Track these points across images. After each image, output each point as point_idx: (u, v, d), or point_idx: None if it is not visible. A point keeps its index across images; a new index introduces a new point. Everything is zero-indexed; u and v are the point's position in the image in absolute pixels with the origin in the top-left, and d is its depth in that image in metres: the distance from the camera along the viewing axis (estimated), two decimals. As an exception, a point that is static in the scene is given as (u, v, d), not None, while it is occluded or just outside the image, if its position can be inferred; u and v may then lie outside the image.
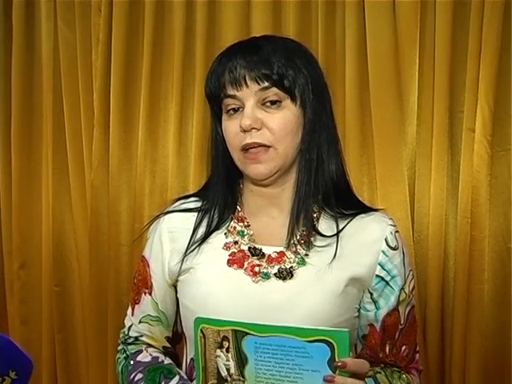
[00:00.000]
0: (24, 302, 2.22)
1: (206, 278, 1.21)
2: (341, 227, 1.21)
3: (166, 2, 2.00)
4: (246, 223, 1.25)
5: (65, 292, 2.19)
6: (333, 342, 0.96)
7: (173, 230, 1.28)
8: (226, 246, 1.23)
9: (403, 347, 1.26)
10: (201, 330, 1.03)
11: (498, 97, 1.73)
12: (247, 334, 1.00)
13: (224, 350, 1.02)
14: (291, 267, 1.18)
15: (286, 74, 1.16)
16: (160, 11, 2.00)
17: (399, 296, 1.23)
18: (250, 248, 1.22)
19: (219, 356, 1.03)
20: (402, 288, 1.23)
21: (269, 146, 1.16)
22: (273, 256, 1.20)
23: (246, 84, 1.16)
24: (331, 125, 1.25)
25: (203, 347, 1.04)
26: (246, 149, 1.17)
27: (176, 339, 1.34)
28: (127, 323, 1.36)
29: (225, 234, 1.25)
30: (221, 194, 1.26)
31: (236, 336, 1.01)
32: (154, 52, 2.00)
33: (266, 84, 1.15)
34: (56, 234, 2.17)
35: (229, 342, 1.02)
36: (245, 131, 1.16)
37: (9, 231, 2.20)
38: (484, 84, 1.72)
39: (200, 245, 1.24)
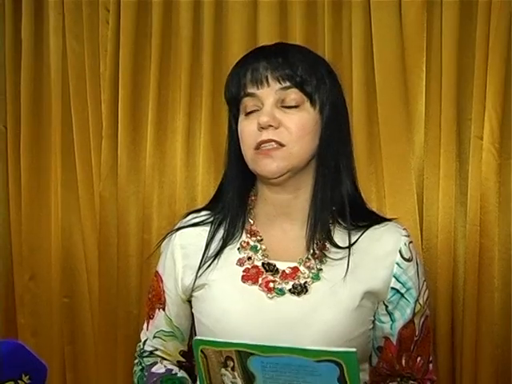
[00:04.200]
0: (34, 314, 2.21)
1: (221, 294, 1.21)
2: (354, 240, 1.21)
3: (173, 13, 2.00)
4: (258, 237, 1.25)
5: (74, 303, 2.18)
6: (341, 362, 0.94)
7: (185, 246, 1.29)
8: (240, 262, 1.23)
9: (418, 358, 1.26)
10: (201, 351, 1.01)
11: (506, 104, 1.72)
12: (252, 354, 0.98)
13: (229, 368, 1.00)
14: (305, 282, 1.18)
15: (308, 79, 1.16)
16: (167, 22, 2.01)
17: (414, 308, 1.23)
18: (263, 264, 1.21)
19: (225, 375, 1.01)
20: (417, 299, 1.23)
21: (283, 145, 1.15)
22: (287, 272, 1.20)
23: (268, 83, 1.15)
24: (348, 139, 1.25)
25: (206, 367, 1.02)
26: (259, 146, 1.17)
27: (192, 353, 1.34)
28: (142, 337, 1.37)
29: (238, 249, 1.25)
30: (232, 206, 1.26)
31: (240, 356, 0.98)
32: (161, 63, 2.00)
33: (288, 84, 1.15)
34: (65, 246, 2.17)
35: (233, 361, 0.99)
36: (262, 128, 1.15)
37: (19, 243, 2.20)
38: (491, 91, 1.71)
39: (213, 260, 1.24)
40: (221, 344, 1.00)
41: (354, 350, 0.95)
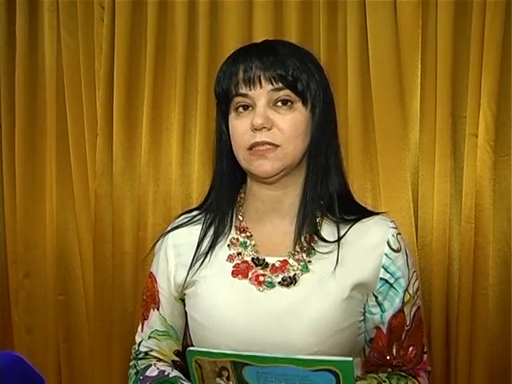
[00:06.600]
0: (29, 312, 2.21)
1: (212, 289, 1.22)
2: (342, 233, 1.22)
3: (168, 11, 2.00)
4: (248, 233, 1.26)
5: (69, 301, 2.18)
6: (337, 371, 0.93)
7: (178, 245, 1.30)
8: (230, 258, 1.24)
9: (410, 348, 1.27)
10: (195, 361, 1.00)
11: (501, 101, 1.73)
12: (247, 364, 0.97)
13: (224, 378, 1.00)
14: (295, 274, 1.20)
15: (300, 77, 1.17)
16: (162, 20, 2.00)
17: (403, 297, 1.24)
18: (253, 259, 1.23)
19: None
20: (406, 289, 1.24)
21: (278, 146, 1.17)
22: (276, 265, 1.21)
23: (260, 84, 1.16)
24: (336, 134, 1.27)
25: (200, 376, 1.01)
26: (252, 147, 1.18)
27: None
28: (137, 339, 1.38)
29: (228, 245, 1.26)
30: (221, 204, 1.28)
31: (235, 366, 0.98)
32: (156, 61, 2.00)
33: (280, 85, 1.16)
34: (60, 243, 2.17)
35: (228, 371, 0.99)
36: (255, 130, 1.16)
37: (13, 240, 2.20)
38: (486, 89, 1.72)
39: (204, 258, 1.25)
40: (215, 355, 0.99)
41: (350, 358, 0.94)
